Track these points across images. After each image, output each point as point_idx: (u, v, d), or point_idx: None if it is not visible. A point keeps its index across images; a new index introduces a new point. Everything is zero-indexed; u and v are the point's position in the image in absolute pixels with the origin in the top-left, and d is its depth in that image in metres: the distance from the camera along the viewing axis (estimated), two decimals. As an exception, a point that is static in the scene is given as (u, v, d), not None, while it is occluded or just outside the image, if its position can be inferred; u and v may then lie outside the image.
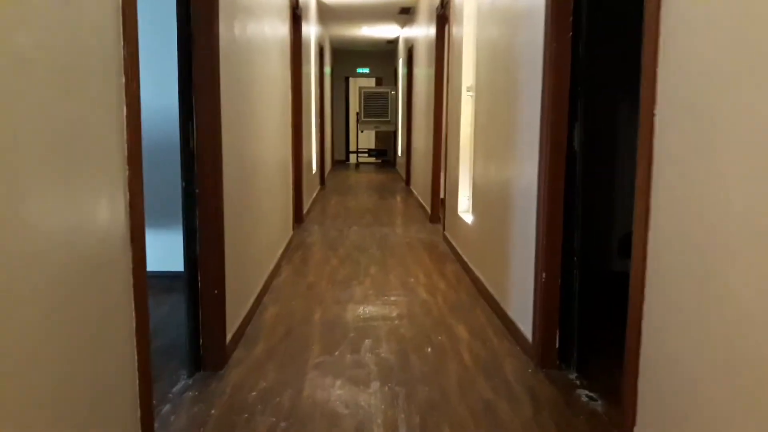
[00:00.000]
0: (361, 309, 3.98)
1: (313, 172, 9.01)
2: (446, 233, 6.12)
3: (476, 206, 4.73)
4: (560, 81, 2.87)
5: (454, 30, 5.83)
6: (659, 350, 1.89)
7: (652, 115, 1.88)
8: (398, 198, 9.62)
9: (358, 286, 4.52)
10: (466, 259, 5.00)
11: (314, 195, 9.03)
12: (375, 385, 2.88)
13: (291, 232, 6.06)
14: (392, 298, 4.21)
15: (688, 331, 1.73)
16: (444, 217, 6.30)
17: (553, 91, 2.88)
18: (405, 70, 11.61)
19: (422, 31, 8.71)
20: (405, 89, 11.47)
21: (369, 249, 5.78)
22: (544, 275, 3.00)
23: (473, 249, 4.76)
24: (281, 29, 5.26)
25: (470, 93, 5.29)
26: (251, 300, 3.81)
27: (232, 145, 3.23)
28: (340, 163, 15.89)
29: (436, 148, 7.19)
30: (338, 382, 2.90)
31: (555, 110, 2.89)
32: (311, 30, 8.66)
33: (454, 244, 5.62)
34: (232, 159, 3.23)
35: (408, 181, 10.95)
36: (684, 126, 1.75)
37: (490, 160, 4.18)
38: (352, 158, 16.33)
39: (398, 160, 13.87)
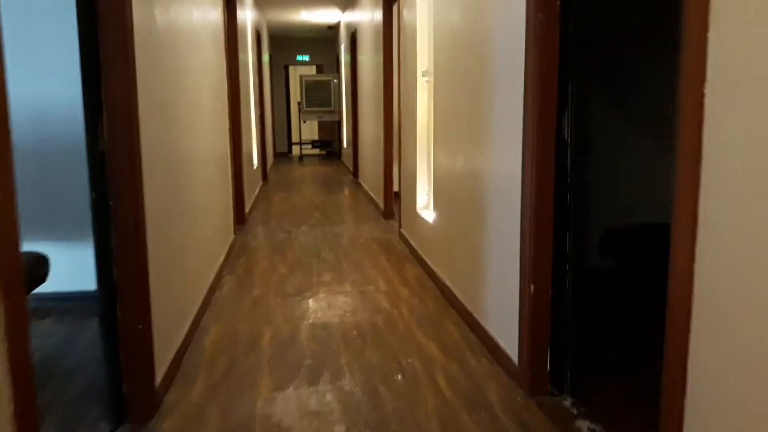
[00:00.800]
0: (316, 328, 3.47)
1: (255, 167, 8.41)
2: (403, 231, 5.67)
3: (438, 202, 4.28)
4: (548, 59, 2.43)
5: (405, 10, 5.35)
6: (715, 400, 1.47)
7: (701, 94, 1.45)
8: (347, 192, 9.11)
9: (311, 298, 4.01)
10: (428, 261, 4.55)
11: (256, 191, 8.43)
12: (340, 429, 2.39)
13: (233, 236, 5.49)
14: (351, 313, 3.72)
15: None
16: (400, 214, 5.84)
17: (539, 71, 2.43)
18: (348, 57, 11.07)
19: (367, 15, 8.19)
20: (349, 77, 10.94)
21: (320, 252, 5.27)
22: (532, 287, 2.57)
23: (437, 250, 4.32)
24: (213, 14, 4.67)
25: (426, 78, 4.83)
26: (187, 324, 3.26)
27: (155, 142, 2.67)
28: (283, 156, 15.22)
29: (387, 138, 6.72)
30: (295, 428, 2.40)
31: (542, 94, 2.44)
32: (247, 15, 8.03)
33: (412, 243, 5.17)
34: (156, 158, 2.67)
35: (356, 174, 10.44)
36: (752, 106, 1.32)
37: (456, 151, 3.73)
38: (295, 150, 15.68)
39: (344, 151, 13.34)
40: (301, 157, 15.02)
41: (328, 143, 15.54)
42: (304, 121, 14.75)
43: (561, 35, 2.43)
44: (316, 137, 15.83)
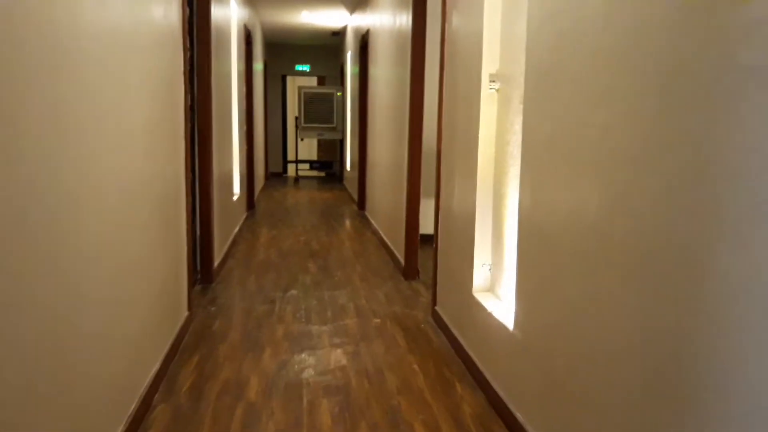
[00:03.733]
0: None
1: (236, 197, 6.59)
2: (439, 310, 3.85)
3: (527, 288, 2.46)
4: None
5: (455, 10, 3.59)
6: None
7: None
8: (351, 230, 7.29)
9: (297, 478, 2.17)
10: (498, 390, 2.73)
11: (237, 228, 6.60)
12: None
13: (185, 314, 3.65)
14: None
15: None
16: (435, 284, 4.01)
17: None
18: (356, 67, 9.32)
19: (385, 18, 6.42)
20: (356, 90, 9.17)
21: (317, 346, 3.43)
22: None
23: (521, 381, 2.49)
24: (158, 9, 2.92)
25: (495, 86, 3.04)
26: None
27: None
28: (277, 176, 13.41)
29: (412, 167, 4.92)
30: None
31: None
32: (232, 15, 6.27)
33: (460, 340, 3.35)
34: None
35: (362, 204, 8.63)
36: None
37: (593, 196, 1.92)
38: (291, 170, 13.88)
39: (347, 175, 11.54)
40: (297, 178, 13.22)
41: (328, 164, 13.75)
42: (302, 139, 12.98)
43: None
44: (314, 157, 14.04)
